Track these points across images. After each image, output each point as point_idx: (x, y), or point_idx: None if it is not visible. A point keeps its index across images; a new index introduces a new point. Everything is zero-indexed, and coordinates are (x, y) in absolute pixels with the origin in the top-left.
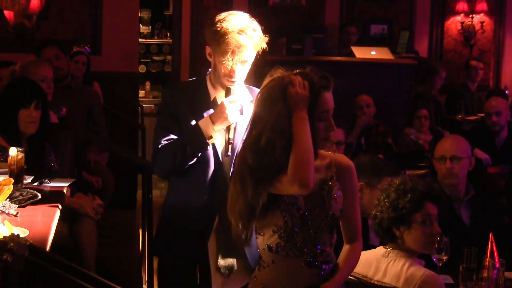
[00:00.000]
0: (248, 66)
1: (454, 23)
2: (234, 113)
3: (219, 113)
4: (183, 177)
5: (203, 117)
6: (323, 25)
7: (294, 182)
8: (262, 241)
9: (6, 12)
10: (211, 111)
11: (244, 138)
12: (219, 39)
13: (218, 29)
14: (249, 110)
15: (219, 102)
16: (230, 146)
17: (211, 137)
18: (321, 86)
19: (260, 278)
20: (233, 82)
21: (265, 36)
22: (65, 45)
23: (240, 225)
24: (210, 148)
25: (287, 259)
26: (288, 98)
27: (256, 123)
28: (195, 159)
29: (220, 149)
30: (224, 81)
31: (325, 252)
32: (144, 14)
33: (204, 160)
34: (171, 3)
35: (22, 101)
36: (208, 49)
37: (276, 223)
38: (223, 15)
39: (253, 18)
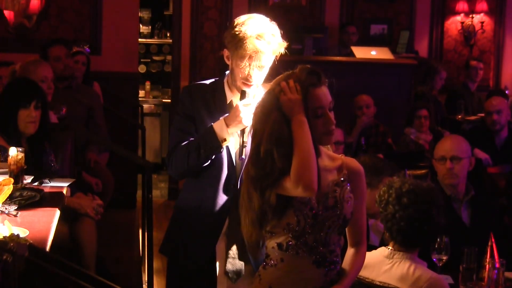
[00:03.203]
0: (265, 71)
1: (454, 23)
2: (248, 116)
3: (233, 116)
4: (197, 178)
5: (218, 119)
6: (323, 25)
7: (298, 186)
8: (272, 239)
9: (6, 12)
10: (227, 114)
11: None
12: (237, 43)
13: (237, 33)
14: None
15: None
16: (244, 149)
17: (224, 139)
18: (309, 84)
19: (266, 277)
20: (249, 86)
21: (284, 41)
22: (65, 45)
23: (253, 234)
24: (224, 150)
25: (296, 257)
26: (283, 106)
27: (254, 136)
28: (209, 161)
29: (234, 152)
30: (240, 84)
31: (334, 253)
32: (144, 14)
33: (218, 163)
34: (171, 3)
35: (22, 101)
36: (226, 52)
37: (288, 221)
38: (242, 18)
39: (273, 22)
